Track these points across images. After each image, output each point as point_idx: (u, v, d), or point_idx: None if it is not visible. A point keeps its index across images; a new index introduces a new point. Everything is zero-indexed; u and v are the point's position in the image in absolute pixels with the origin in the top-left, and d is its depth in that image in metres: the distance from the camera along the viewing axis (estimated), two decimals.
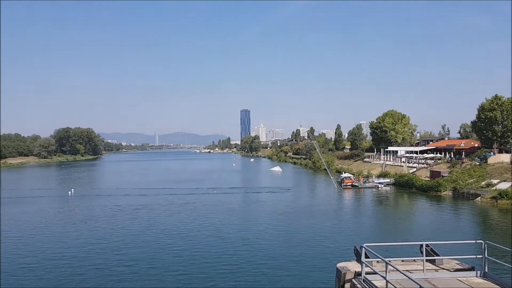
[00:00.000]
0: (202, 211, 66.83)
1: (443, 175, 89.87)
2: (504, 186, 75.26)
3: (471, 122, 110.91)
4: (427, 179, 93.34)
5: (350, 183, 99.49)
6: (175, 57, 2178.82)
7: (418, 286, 9.47)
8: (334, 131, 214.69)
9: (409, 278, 9.81)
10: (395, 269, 11.08)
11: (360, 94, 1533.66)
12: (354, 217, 64.04)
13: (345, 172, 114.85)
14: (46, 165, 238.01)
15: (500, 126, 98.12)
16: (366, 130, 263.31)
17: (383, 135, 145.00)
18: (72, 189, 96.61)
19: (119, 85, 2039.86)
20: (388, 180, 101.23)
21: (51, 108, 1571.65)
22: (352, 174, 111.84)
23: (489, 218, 60.42)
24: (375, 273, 12.11)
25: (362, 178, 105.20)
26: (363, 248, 12.15)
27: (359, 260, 13.48)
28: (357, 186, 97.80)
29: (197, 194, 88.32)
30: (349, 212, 68.84)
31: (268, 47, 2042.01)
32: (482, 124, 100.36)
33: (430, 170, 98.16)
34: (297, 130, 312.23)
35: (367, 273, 11.97)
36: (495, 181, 78.83)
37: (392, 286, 10.40)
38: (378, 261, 13.39)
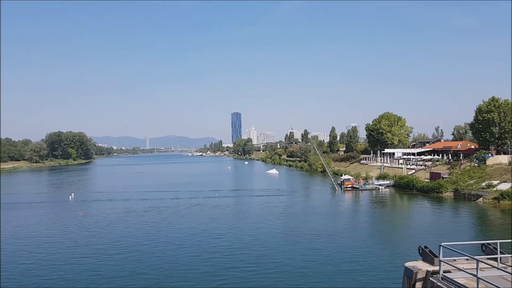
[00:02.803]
0: (212, 214, 67.09)
1: (443, 176, 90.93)
2: (504, 187, 76.42)
3: (469, 124, 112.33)
4: (427, 180, 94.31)
5: (350, 185, 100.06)
6: (165, 60, 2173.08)
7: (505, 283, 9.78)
8: (329, 133, 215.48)
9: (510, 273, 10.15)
10: (490, 266, 11.39)
11: (349, 97, 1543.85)
12: (369, 219, 64.47)
13: (345, 174, 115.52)
14: (39, 170, 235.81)
15: (497, 127, 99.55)
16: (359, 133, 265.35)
17: (379, 137, 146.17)
18: (72, 194, 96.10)
19: (109, 89, 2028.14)
20: (388, 182, 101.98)
21: (41, 111, 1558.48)
22: (351, 176, 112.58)
23: (497, 218, 61.04)
24: (448, 271, 12.47)
25: (361, 180, 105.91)
26: (441, 247, 12.51)
27: (426, 259, 13.86)
28: (358, 188, 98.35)
29: (200, 197, 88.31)
30: (360, 214, 69.03)
31: (259, 49, 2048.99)
32: (480, 126, 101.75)
33: (430, 172, 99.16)
34: (290, 133, 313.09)
35: (444, 272, 12.32)
36: (495, 182, 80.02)
37: (484, 283, 10.71)
38: (440, 260, 13.72)
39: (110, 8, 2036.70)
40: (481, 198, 75.07)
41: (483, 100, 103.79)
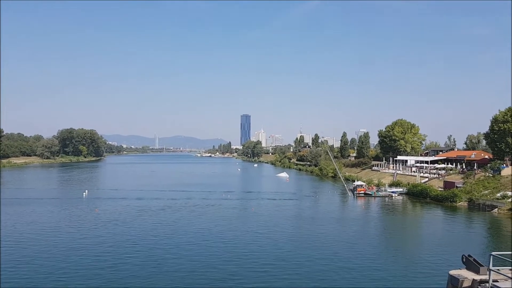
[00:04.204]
0: (226, 215, 67.48)
1: (458, 185, 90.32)
2: None
3: (484, 134, 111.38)
4: (440, 189, 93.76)
5: (363, 191, 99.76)
6: (175, 60, 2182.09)
7: None
8: (340, 138, 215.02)
9: None
10: None
11: (359, 103, 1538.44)
12: (386, 226, 64.33)
13: (357, 180, 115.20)
14: (50, 166, 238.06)
15: None
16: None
17: (392, 144, 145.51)
18: (86, 191, 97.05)
19: (120, 87, 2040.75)
20: (401, 189, 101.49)
21: (52, 108, 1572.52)
22: (363, 182, 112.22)
23: None
24: (496, 280, 12.59)
25: (374, 187, 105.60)
26: (491, 256, 12.64)
27: (471, 268, 13.98)
28: (371, 194, 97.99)
29: (213, 198, 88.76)
30: (378, 221, 68.69)
31: (270, 51, 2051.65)
32: (495, 136, 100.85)
33: (444, 181, 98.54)
34: (300, 136, 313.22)
35: (493, 281, 12.45)
36: (510, 193, 79.28)
37: None
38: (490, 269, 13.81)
39: (123, 8, 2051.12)
40: (496, 208, 74.52)
41: (499, 110, 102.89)
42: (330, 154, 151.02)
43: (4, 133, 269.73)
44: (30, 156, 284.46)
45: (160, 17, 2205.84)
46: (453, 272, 14.00)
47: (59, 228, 55.47)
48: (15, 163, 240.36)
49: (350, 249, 45.88)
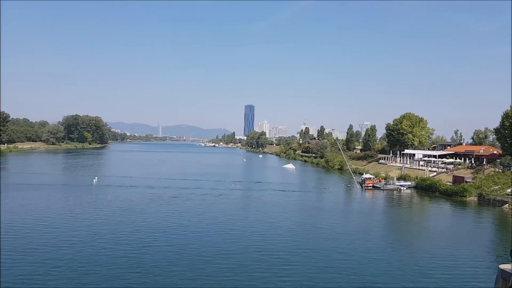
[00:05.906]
0: (237, 205, 67.95)
1: (467, 180, 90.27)
2: None
3: (494, 129, 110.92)
4: (449, 184, 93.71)
5: (371, 184, 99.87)
6: (181, 51, 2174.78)
7: None
8: (346, 131, 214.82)
9: None
10: None
11: (363, 96, 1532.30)
12: (400, 219, 64.54)
13: (365, 173, 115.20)
14: (55, 152, 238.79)
15: None
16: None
17: (399, 138, 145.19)
18: (96, 178, 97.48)
19: (125, 75, 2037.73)
20: (410, 183, 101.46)
21: (57, 94, 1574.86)
22: (371, 175, 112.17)
23: None
24: None
25: (382, 180, 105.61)
26: None
27: None
28: (379, 187, 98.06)
29: (222, 188, 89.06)
30: (390, 214, 68.88)
31: (273, 44, 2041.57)
32: (506, 131, 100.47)
33: (453, 175, 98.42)
34: (306, 128, 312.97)
35: None
36: None
37: None
38: None
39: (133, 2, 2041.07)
40: (507, 204, 74.57)
41: (510, 106, 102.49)
42: (339, 146, 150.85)
43: (10, 118, 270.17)
44: (36, 141, 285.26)
45: (168, 13, 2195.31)
46: (503, 266, 14.08)
47: (72, 214, 55.76)
48: (21, 148, 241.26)
49: (369, 241, 46.15)
